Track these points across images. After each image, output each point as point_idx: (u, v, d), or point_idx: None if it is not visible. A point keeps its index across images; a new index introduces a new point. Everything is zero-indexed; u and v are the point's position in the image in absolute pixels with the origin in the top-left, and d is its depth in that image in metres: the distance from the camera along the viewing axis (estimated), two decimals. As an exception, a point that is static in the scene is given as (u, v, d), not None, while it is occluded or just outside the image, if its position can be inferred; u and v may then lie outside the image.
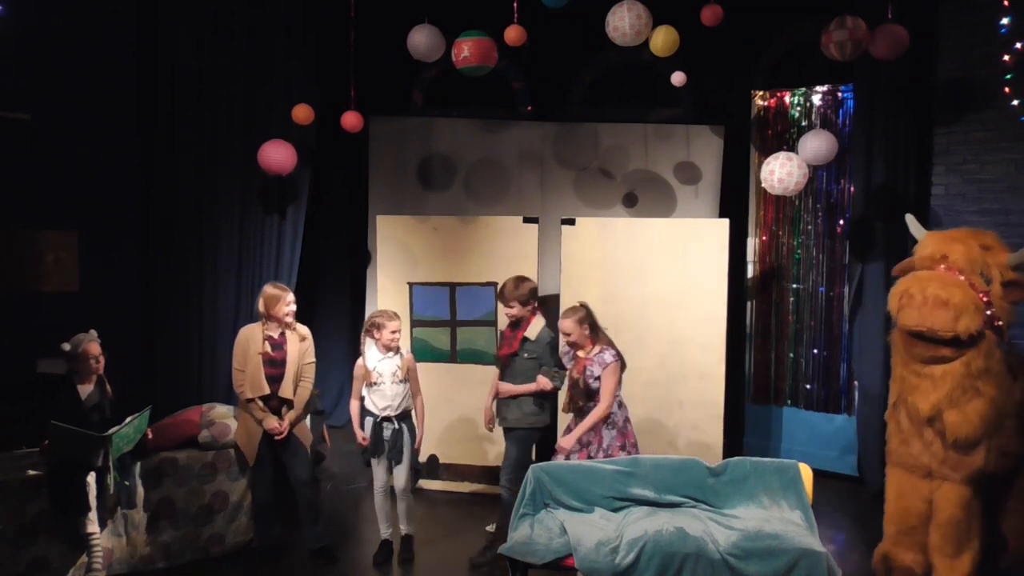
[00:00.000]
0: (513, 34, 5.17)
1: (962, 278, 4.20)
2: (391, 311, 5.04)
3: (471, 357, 6.13)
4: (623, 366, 4.76)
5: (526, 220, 6.05)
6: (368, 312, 7.12)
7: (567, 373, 4.87)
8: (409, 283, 6.17)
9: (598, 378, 4.67)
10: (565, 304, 6.01)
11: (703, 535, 4.10)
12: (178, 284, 5.98)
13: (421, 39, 5.41)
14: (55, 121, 5.65)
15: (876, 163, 6.02)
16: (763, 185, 5.81)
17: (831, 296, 6.71)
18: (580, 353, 4.79)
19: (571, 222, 6.05)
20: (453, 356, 6.15)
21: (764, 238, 6.96)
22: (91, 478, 4.35)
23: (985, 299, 4.18)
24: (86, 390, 4.50)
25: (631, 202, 7.12)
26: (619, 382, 4.73)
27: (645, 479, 4.50)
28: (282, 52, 6.03)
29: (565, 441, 4.74)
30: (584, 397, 4.69)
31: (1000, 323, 4.24)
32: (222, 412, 5.14)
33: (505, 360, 5.02)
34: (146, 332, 6.02)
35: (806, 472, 4.46)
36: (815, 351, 6.77)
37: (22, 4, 5.43)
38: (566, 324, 4.76)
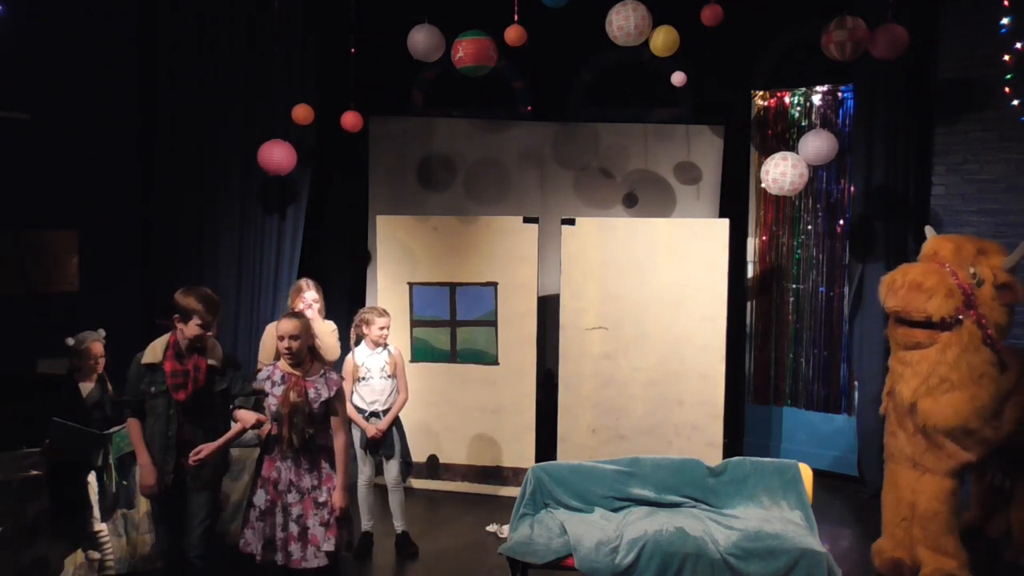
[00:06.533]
0: (513, 34, 5.17)
1: (946, 268, 4.41)
2: (380, 308, 5.19)
3: (471, 357, 6.13)
4: None
5: (526, 220, 6.05)
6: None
7: (281, 399, 3.89)
8: (409, 283, 6.18)
9: (326, 402, 3.94)
10: (566, 304, 6.03)
11: (703, 535, 4.10)
12: (178, 284, 5.95)
13: (421, 39, 5.40)
14: (55, 121, 5.64)
15: (876, 163, 6.01)
16: (762, 185, 5.82)
17: (831, 296, 6.71)
18: (298, 371, 3.95)
19: (571, 222, 6.05)
20: (453, 356, 6.15)
21: (764, 238, 6.97)
22: (91, 477, 4.36)
23: (966, 290, 4.35)
24: (87, 388, 4.51)
25: (631, 202, 7.12)
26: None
27: (645, 479, 4.50)
28: (282, 52, 6.03)
29: (339, 499, 3.92)
30: (310, 423, 3.89)
31: (985, 320, 4.37)
32: (222, 412, 5.14)
33: (188, 401, 3.83)
34: (146, 332, 6.01)
35: (806, 472, 4.47)
36: (815, 351, 6.77)
37: (22, 4, 5.42)
38: (290, 325, 3.91)
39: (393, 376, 5.05)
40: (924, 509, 4.52)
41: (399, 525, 5.15)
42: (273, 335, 4.81)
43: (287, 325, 3.95)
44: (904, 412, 4.54)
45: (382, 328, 5.02)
